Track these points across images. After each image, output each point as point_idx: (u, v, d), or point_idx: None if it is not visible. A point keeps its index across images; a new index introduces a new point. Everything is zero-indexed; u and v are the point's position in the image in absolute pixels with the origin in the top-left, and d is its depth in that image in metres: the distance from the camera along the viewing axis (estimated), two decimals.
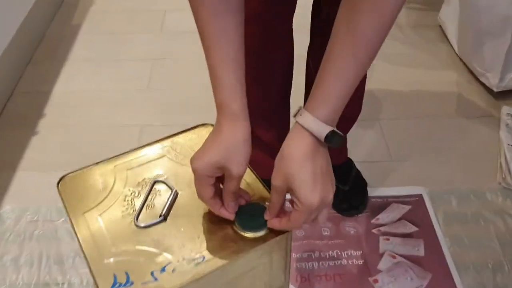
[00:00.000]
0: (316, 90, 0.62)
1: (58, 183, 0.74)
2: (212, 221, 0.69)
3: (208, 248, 0.65)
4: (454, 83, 1.69)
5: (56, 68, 1.79)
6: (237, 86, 0.64)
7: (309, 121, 0.61)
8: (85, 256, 0.64)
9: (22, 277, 1.15)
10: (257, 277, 0.72)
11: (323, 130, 0.61)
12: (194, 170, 0.65)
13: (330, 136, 0.61)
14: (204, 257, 0.64)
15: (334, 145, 0.63)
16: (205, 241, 0.66)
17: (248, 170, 0.74)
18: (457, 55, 1.77)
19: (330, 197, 0.63)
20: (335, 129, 0.62)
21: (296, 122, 0.63)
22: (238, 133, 0.64)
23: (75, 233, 0.67)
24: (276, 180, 0.63)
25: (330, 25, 0.59)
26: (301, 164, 0.61)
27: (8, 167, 1.42)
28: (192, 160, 0.65)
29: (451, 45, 1.81)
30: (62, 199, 0.72)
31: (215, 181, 0.66)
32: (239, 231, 0.67)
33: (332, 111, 0.62)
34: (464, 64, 1.73)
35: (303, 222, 0.64)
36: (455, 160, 1.42)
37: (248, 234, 0.67)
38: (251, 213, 0.68)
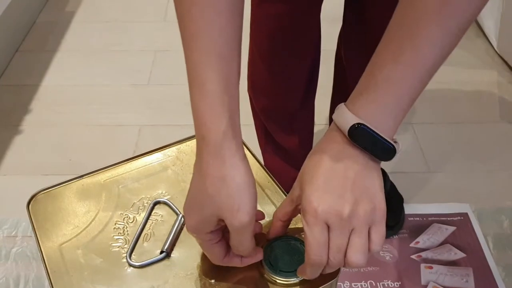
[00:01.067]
0: (362, 78, 0.50)
1: (28, 203, 0.65)
2: None
3: None
4: (495, 84, 1.64)
5: (45, 59, 1.75)
6: (224, 98, 0.48)
7: (338, 113, 0.50)
8: None
9: None
10: None
11: (347, 121, 0.48)
12: (190, 231, 0.53)
13: (356, 130, 0.47)
14: None
15: (376, 151, 0.48)
16: None
17: (272, 183, 0.65)
18: (496, 52, 1.72)
19: (346, 211, 0.46)
20: (366, 124, 0.47)
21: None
22: (229, 174, 0.49)
23: (47, 272, 0.57)
24: (295, 183, 0.52)
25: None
26: (318, 161, 0.49)
27: None
28: (185, 216, 0.53)
29: (489, 41, 1.76)
30: (32, 225, 0.62)
31: (222, 233, 0.53)
32: (268, 275, 0.55)
33: (378, 105, 0.47)
34: (505, 62, 1.68)
35: (316, 243, 0.47)
36: (502, 172, 1.35)
37: (281, 280, 0.55)
38: (284, 250, 0.56)
